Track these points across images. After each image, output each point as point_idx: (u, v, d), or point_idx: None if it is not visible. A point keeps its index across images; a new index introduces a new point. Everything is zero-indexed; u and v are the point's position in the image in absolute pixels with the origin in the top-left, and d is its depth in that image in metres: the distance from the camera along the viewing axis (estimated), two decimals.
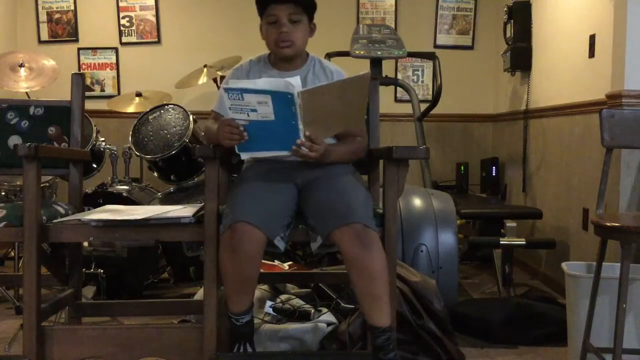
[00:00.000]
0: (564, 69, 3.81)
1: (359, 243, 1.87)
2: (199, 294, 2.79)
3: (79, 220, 2.13)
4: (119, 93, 5.07)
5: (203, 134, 2.33)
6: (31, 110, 2.51)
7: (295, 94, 1.80)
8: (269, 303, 2.71)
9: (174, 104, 3.75)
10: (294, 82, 1.83)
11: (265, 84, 1.87)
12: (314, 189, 2.06)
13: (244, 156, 2.01)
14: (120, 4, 5.11)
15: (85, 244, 3.13)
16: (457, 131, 5.23)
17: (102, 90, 5.14)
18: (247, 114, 1.88)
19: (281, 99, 1.82)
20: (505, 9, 4.51)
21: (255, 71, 2.24)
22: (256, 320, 2.57)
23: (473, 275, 4.22)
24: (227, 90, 1.86)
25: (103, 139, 3.72)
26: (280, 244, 1.94)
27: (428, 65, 5.12)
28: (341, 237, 1.88)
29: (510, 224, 3.62)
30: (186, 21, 5.10)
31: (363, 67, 4.13)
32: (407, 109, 4.61)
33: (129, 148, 3.65)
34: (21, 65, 4.00)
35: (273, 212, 1.96)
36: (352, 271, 1.91)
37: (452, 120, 5.16)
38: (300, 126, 1.87)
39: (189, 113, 3.60)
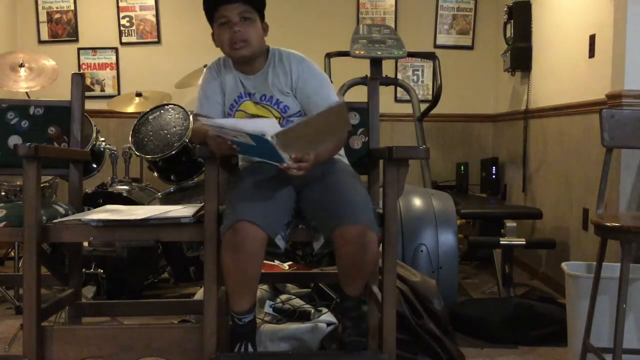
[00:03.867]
0: (564, 69, 3.81)
1: (360, 245, 1.88)
2: (199, 294, 2.79)
3: (79, 220, 2.13)
4: (119, 93, 5.07)
5: (192, 134, 2.35)
6: (31, 110, 2.51)
7: (269, 138, 1.77)
8: (269, 303, 2.71)
9: (174, 104, 3.74)
10: (268, 127, 1.79)
11: (239, 124, 1.85)
12: (313, 189, 2.05)
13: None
14: (120, 4, 5.11)
15: (85, 244, 3.13)
16: (457, 131, 5.23)
17: (102, 90, 5.14)
18: (231, 137, 1.89)
19: (258, 138, 1.80)
20: (505, 9, 4.51)
21: (226, 72, 2.23)
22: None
23: (473, 275, 4.22)
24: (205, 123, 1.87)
25: (103, 139, 3.71)
26: (281, 243, 1.95)
27: (428, 65, 5.12)
28: (342, 237, 1.88)
29: (510, 224, 3.62)
30: (186, 21, 5.09)
31: (363, 67, 4.13)
32: (407, 109, 4.61)
33: (129, 148, 3.64)
34: (21, 65, 4.00)
35: (273, 211, 1.96)
36: (342, 264, 1.97)
37: (452, 120, 5.16)
38: (284, 155, 1.84)
39: (189, 113, 3.60)
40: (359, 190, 2.04)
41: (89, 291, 3.22)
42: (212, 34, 2.19)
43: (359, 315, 2.12)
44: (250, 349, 2.05)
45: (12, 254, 3.81)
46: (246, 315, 2.02)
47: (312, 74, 2.18)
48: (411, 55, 4.30)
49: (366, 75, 4.02)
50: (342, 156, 2.31)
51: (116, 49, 5.14)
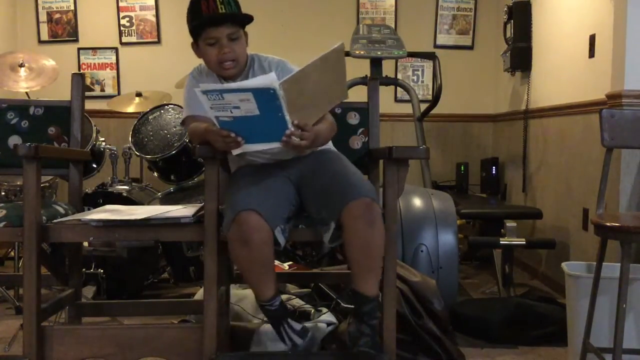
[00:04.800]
0: (564, 69, 3.81)
1: (366, 219, 1.88)
2: (199, 294, 2.79)
3: (79, 220, 2.13)
4: (119, 93, 5.07)
5: (190, 136, 2.31)
6: (31, 110, 2.51)
7: (277, 87, 1.74)
8: None
9: (174, 104, 3.75)
10: (272, 77, 1.78)
11: (244, 84, 1.83)
12: (312, 181, 2.06)
13: (236, 152, 1.99)
14: (120, 4, 5.11)
15: (85, 244, 3.13)
16: (457, 131, 5.23)
17: (102, 90, 5.14)
18: (230, 111, 1.83)
19: (263, 95, 1.77)
20: (505, 9, 4.51)
21: (205, 78, 2.22)
22: (256, 320, 2.57)
23: (473, 275, 4.22)
24: (205, 92, 1.82)
25: (103, 139, 3.72)
26: (280, 238, 1.94)
27: (428, 65, 5.12)
28: (350, 214, 1.89)
29: (510, 224, 3.62)
30: (186, 21, 5.09)
31: (363, 67, 4.13)
32: (407, 109, 4.61)
33: (129, 148, 3.65)
34: (21, 65, 4.00)
35: (271, 201, 1.96)
36: (352, 244, 1.93)
37: (452, 120, 5.16)
38: (287, 117, 1.82)
39: None
40: (356, 172, 2.08)
41: (89, 291, 3.22)
42: (193, 45, 2.20)
43: (376, 324, 2.02)
44: (295, 325, 2.03)
45: (12, 254, 3.81)
46: (275, 299, 2.01)
47: (289, 71, 2.15)
48: (411, 55, 4.31)
49: (366, 75, 4.02)
50: (331, 147, 2.31)
51: (116, 49, 5.14)
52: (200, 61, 2.27)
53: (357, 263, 1.96)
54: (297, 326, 2.06)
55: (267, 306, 2.02)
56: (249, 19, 2.17)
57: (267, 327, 2.49)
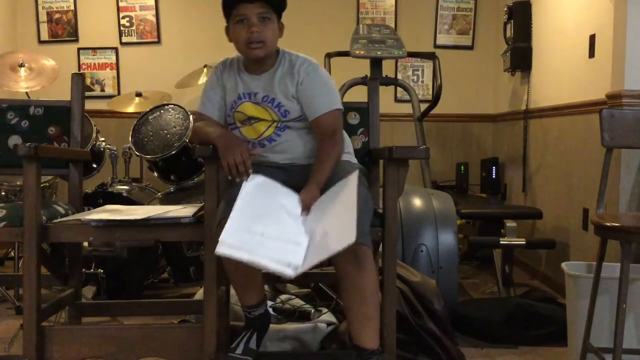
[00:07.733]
0: (564, 69, 3.81)
1: (354, 263, 1.84)
2: (199, 294, 2.79)
3: (79, 220, 2.14)
4: (119, 93, 5.07)
5: (192, 134, 2.30)
6: (31, 110, 2.51)
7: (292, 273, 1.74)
8: (269, 303, 2.71)
9: (174, 104, 3.74)
10: (289, 273, 1.74)
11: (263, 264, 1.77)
12: None
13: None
14: (120, 4, 5.11)
15: (85, 244, 3.13)
16: (457, 131, 5.23)
17: (102, 90, 5.14)
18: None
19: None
20: (505, 9, 4.52)
21: (228, 73, 2.18)
22: None
23: (473, 275, 4.22)
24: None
25: (103, 139, 3.71)
26: None
27: (428, 65, 5.13)
28: (337, 255, 1.84)
29: (510, 224, 3.62)
30: (186, 21, 5.10)
31: (363, 67, 4.13)
32: (407, 109, 4.61)
33: (129, 148, 3.64)
34: (21, 65, 4.00)
35: None
36: (344, 290, 1.91)
37: (452, 120, 5.16)
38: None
39: (189, 113, 3.59)
40: (359, 197, 1.96)
41: (89, 291, 3.22)
42: (226, 28, 2.13)
43: None
44: (251, 343, 2.04)
45: (12, 254, 3.81)
46: (255, 308, 2.06)
47: (318, 78, 2.12)
48: (411, 55, 4.30)
49: (366, 75, 4.02)
50: (348, 154, 2.23)
51: (116, 49, 5.14)
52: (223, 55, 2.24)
53: (352, 311, 1.91)
54: (254, 345, 2.07)
55: (247, 312, 2.08)
56: (282, 2, 2.10)
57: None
